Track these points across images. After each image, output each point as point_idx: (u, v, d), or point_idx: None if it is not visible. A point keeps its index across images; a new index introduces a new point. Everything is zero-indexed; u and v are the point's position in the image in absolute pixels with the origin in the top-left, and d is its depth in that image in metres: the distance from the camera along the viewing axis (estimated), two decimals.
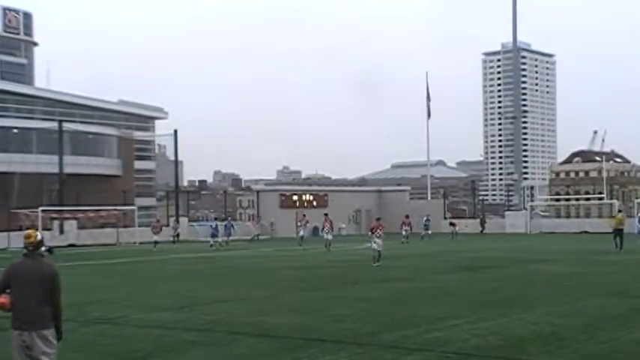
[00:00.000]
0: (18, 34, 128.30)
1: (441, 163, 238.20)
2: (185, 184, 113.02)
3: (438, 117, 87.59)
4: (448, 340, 11.41)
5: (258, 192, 68.82)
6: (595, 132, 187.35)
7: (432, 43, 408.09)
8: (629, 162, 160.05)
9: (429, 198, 76.39)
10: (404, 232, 45.92)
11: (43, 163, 61.37)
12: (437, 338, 11.63)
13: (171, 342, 11.91)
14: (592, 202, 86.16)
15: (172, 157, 67.22)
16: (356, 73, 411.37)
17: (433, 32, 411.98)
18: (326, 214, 41.31)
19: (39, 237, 7.58)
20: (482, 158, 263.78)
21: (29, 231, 7.70)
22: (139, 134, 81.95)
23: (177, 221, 56.44)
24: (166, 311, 15.57)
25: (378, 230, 28.01)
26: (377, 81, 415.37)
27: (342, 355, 10.61)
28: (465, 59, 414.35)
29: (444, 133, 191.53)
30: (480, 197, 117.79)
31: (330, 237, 38.66)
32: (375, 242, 27.52)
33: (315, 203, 66.42)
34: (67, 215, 53.15)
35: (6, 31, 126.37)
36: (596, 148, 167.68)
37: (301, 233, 45.77)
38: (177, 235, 51.13)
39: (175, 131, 62.46)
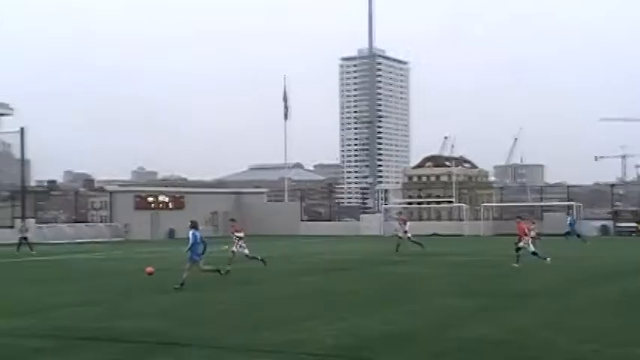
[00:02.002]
0: None
1: (298, 165, 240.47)
2: (33, 184, 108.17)
3: (296, 119, 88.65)
4: (304, 342, 11.45)
5: (111, 193, 66.79)
6: (445, 137, 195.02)
7: (290, 44, 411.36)
8: (476, 167, 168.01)
9: (287, 200, 76.90)
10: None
11: None
12: (293, 340, 11.65)
13: (12, 351, 11.28)
14: (442, 205, 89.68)
15: (19, 156, 64.08)
16: (218, 71, 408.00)
17: (291, 34, 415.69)
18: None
19: None
20: (338, 161, 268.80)
21: None
22: None
23: (22, 222, 52.99)
24: (11, 317, 14.75)
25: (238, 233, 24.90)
26: (236, 80, 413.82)
27: (191, 358, 10.43)
28: (322, 63, 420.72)
29: (302, 135, 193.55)
30: (337, 200, 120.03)
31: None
32: (240, 246, 24.46)
33: (171, 205, 65.33)
34: None
35: None
36: (447, 153, 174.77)
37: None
38: (25, 237, 46.78)
39: (22, 129, 59.59)
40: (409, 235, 35.44)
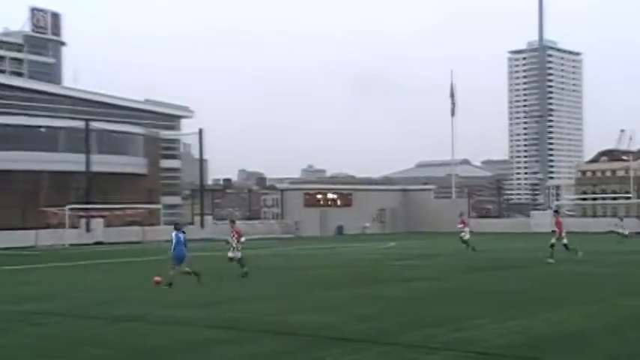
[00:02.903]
0: (46, 33, 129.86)
1: (465, 162, 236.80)
2: (210, 182, 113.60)
3: (463, 115, 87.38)
4: (472, 340, 11.36)
5: (282, 191, 69.01)
6: (622, 131, 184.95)
7: (457, 40, 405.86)
8: None
9: (454, 197, 76.12)
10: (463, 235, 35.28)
11: (71, 162, 61.94)
12: (460, 338, 11.59)
13: (194, 339, 11.97)
14: (619, 201, 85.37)
15: (198, 156, 67.59)
16: (378, 71, 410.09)
17: (458, 30, 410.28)
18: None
19: None
20: (507, 157, 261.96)
21: None
22: (164, 133, 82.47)
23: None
24: (190, 309, 15.66)
25: (235, 236, 23.26)
26: (401, 79, 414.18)
27: (366, 355, 10.60)
28: (490, 57, 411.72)
29: (470, 131, 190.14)
30: (506, 196, 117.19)
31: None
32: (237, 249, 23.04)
33: (339, 202, 66.50)
34: (94, 213, 53.68)
35: (34, 31, 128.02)
36: (624, 147, 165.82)
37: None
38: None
39: (200, 130, 62.84)
40: (467, 236, 34.59)
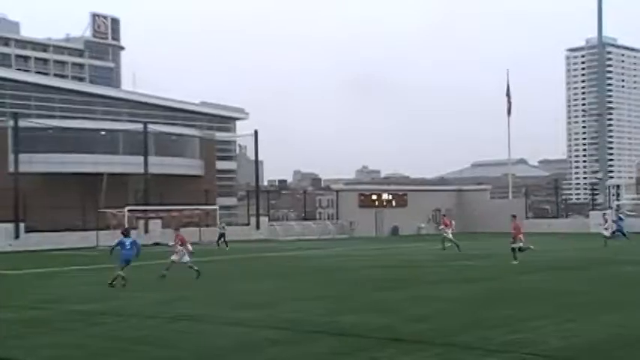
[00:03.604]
0: (106, 38, 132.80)
1: (522, 161, 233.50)
2: (265, 183, 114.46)
3: (519, 115, 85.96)
4: (530, 342, 11.21)
5: (337, 191, 69.04)
6: None
7: (514, 40, 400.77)
8: None
9: (510, 197, 75.13)
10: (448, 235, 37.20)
11: (129, 164, 63.12)
12: (518, 340, 11.44)
13: (250, 340, 12.08)
14: None
15: (253, 157, 68.09)
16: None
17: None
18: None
19: None
20: (565, 157, 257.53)
21: None
22: (220, 135, 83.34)
23: (222, 223, 53.94)
24: (245, 309, 15.78)
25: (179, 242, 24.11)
26: (454, 79, 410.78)
27: (422, 355, 10.57)
28: (547, 56, 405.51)
29: (526, 131, 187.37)
30: (564, 196, 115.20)
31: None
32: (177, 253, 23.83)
33: (394, 203, 66.29)
34: (152, 215, 54.46)
35: (95, 36, 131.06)
36: None
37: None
38: (223, 235, 46.77)
39: (256, 131, 63.22)
40: (447, 235, 36.69)
